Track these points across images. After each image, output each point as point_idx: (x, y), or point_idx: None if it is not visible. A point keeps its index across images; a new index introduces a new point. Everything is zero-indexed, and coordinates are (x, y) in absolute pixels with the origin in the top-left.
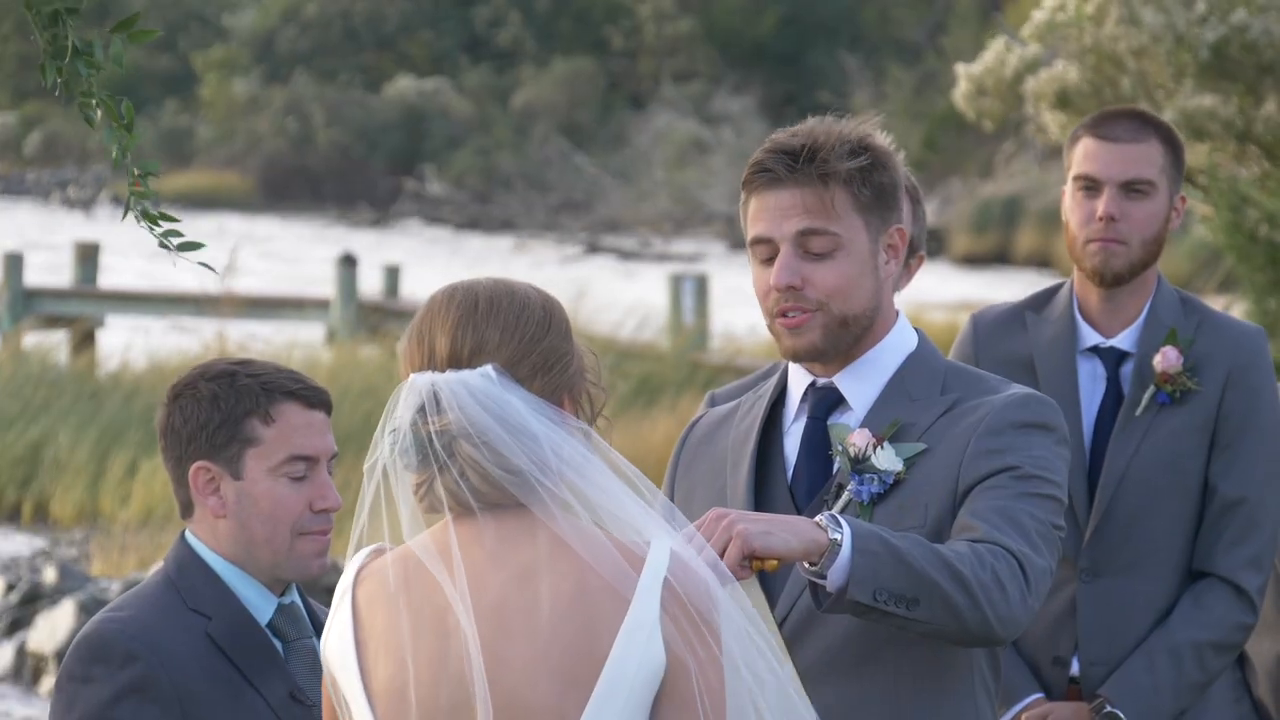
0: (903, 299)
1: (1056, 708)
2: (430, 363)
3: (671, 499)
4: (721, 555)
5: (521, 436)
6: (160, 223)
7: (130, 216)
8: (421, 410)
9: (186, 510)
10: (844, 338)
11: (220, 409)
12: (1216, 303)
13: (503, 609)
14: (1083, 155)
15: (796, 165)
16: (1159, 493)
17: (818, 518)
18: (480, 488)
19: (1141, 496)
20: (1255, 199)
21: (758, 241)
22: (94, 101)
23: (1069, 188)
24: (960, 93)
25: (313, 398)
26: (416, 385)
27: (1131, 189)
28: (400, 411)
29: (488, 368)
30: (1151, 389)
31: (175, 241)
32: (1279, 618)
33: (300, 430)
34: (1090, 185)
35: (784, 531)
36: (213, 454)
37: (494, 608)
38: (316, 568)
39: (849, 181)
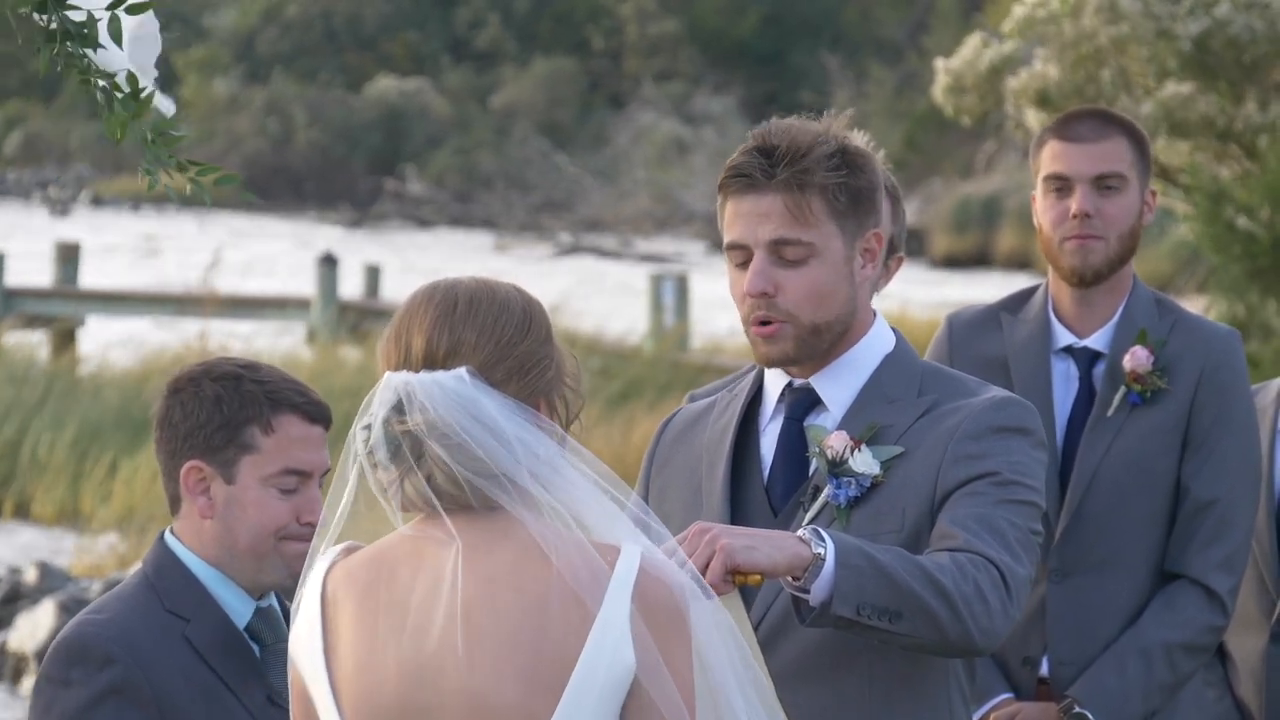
0: (882, 300)
1: (1025, 708)
2: (406, 362)
3: (646, 495)
4: (704, 569)
5: (494, 439)
6: (189, 168)
7: (161, 178)
8: (394, 409)
9: (174, 506)
10: (817, 345)
11: (222, 411)
12: (1196, 303)
13: (471, 610)
14: (1051, 157)
15: (773, 171)
16: (1129, 493)
17: (800, 531)
18: (448, 489)
19: (1112, 496)
20: (1234, 196)
21: (733, 247)
22: (95, 81)
23: (1039, 190)
24: (939, 87)
25: (315, 413)
26: (391, 384)
27: (1103, 184)
28: (375, 409)
29: (461, 370)
30: (1122, 389)
31: (210, 177)
32: (1260, 616)
33: (298, 444)
34: (1062, 185)
35: (767, 546)
36: (208, 454)
37: (463, 609)
38: (299, 572)
39: (824, 189)
